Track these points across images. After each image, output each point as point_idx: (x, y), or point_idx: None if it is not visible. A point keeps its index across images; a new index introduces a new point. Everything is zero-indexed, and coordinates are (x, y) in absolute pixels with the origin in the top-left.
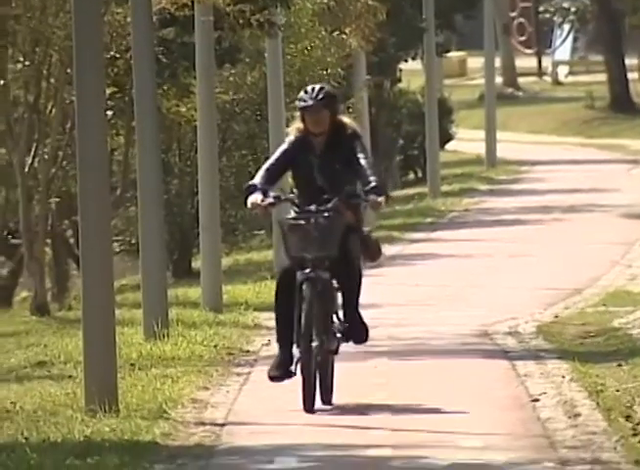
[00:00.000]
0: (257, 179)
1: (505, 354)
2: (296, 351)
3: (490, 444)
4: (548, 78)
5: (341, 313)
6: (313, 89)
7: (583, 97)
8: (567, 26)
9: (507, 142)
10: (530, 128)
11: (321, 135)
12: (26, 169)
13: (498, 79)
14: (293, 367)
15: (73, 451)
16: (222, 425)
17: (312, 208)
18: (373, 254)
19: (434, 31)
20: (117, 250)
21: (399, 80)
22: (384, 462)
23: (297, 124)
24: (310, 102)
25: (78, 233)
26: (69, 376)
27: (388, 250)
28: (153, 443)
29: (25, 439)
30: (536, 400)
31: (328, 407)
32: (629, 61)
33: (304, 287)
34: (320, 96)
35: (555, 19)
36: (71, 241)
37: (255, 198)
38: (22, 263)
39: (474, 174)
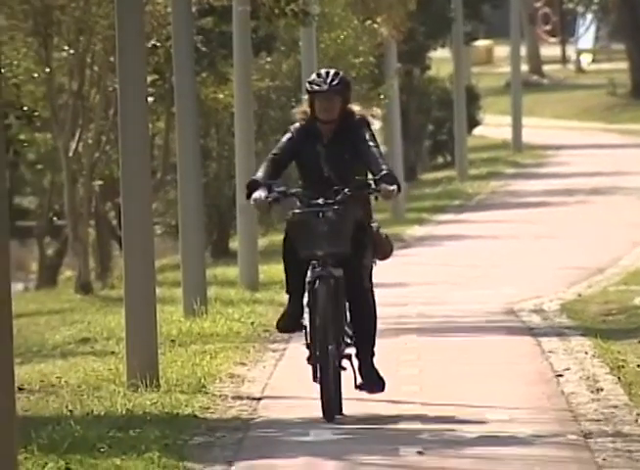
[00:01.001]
0: (260, 173)
1: (530, 331)
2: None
3: (516, 417)
4: (572, 66)
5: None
6: (327, 73)
7: (605, 84)
8: (589, 16)
9: (532, 127)
10: (555, 114)
11: (330, 123)
12: (71, 154)
13: (524, 67)
14: (303, 319)
15: (116, 424)
16: (259, 399)
17: (320, 201)
18: (384, 251)
19: (462, 21)
20: (158, 231)
21: (429, 68)
22: (414, 434)
23: (304, 108)
24: (324, 86)
25: (121, 215)
26: (112, 352)
27: (417, 231)
28: (192, 416)
29: (70, 412)
30: (560, 376)
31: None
32: None
33: (317, 286)
34: (335, 81)
35: (578, 8)
36: (114, 222)
37: (259, 194)
38: (67, 244)
39: (500, 158)
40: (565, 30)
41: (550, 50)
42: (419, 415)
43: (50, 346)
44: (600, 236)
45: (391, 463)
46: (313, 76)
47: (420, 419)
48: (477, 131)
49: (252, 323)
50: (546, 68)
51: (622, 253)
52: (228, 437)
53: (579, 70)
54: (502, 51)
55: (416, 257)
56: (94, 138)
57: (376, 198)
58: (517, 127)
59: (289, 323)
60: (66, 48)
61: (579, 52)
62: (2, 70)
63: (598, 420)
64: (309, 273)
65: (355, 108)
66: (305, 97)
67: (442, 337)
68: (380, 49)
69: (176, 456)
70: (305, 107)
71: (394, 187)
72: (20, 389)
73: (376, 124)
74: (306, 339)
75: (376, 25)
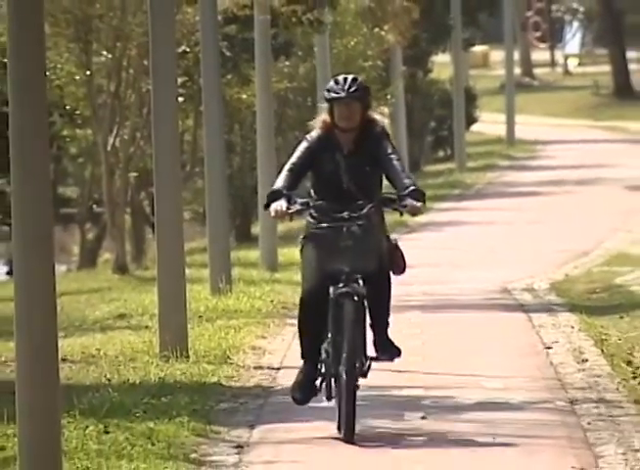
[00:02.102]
0: (280, 183)
1: (522, 308)
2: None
3: (510, 385)
4: (560, 69)
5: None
6: (345, 80)
7: (590, 85)
8: (576, 24)
9: (524, 124)
10: (544, 113)
11: (350, 131)
12: (109, 148)
13: (517, 70)
14: (318, 383)
15: (150, 392)
16: (278, 369)
17: (345, 215)
18: (400, 266)
19: (461, 28)
20: (187, 217)
21: (431, 71)
22: (416, 401)
23: (324, 117)
24: (342, 93)
25: (154, 203)
26: (146, 327)
27: (421, 217)
28: (218, 384)
29: (108, 380)
30: (549, 348)
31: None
32: (630, 54)
33: (342, 304)
34: (353, 88)
35: (565, 17)
36: (148, 210)
37: (280, 205)
38: (106, 229)
39: (495, 152)
40: (553, 37)
41: (540, 55)
42: (422, 384)
43: (90, 321)
44: (585, 222)
45: (397, 427)
46: (331, 84)
47: (423, 387)
48: (474, 128)
49: (272, 301)
50: (537, 71)
51: (605, 237)
52: (250, 403)
53: (567, 72)
54: (497, 55)
55: (420, 241)
56: (129, 134)
57: (401, 214)
58: (510, 124)
59: (304, 392)
60: (104, 53)
61: (566, 56)
62: (47, 73)
63: (583, 388)
64: (332, 290)
65: (375, 116)
66: (324, 105)
67: (444, 313)
68: (386, 54)
69: (204, 420)
70: (324, 116)
71: (420, 203)
72: (63, 359)
73: (384, 121)
74: (304, 353)
75: (383, 33)
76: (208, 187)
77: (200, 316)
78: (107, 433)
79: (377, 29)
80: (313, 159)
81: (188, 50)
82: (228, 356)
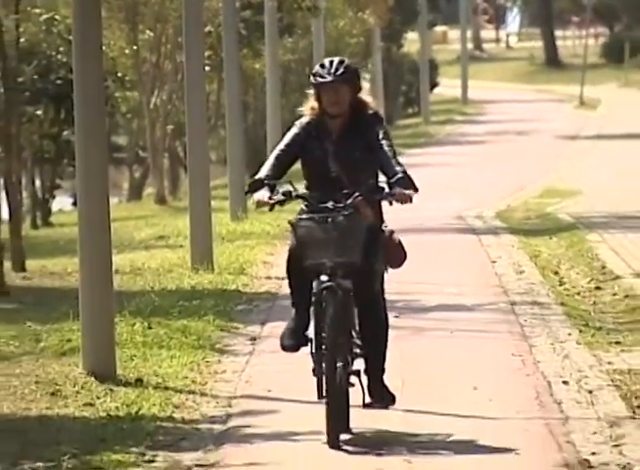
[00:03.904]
0: (264, 171)
1: (473, 231)
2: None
3: (463, 291)
4: (503, 44)
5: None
6: (332, 63)
7: (527, 57)
8: (515, 9)
9: (475, 88)
10: (491, 79)
11: (339, 117)
12: (151, 106)
13: (469, 45)
14: (308, 333)
15: (183, 296)
16: (283, 279)
17: (329, 205)
18: (398, 258)
19: (426, 12)
20: (212, 160)
21: (402, 46)
22: (390, 304)
23: (312, 103)
24: (329, 77)
25: (186, 149)
26: (180, 246)
27: None
28: (236, 290)
29: (151, 288)
30: (494, 262)
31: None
32: (557, 32)
33: (323, 299)
34: (340, 70)
35: (507, 3)
36: (181, 154)
37: (262, 195)
38: (149, 170)
39: (453, 110)
40: (498, 19)
41: (488, 33)
42: (394, 291)
43: (136, 241)
44: (522, 164)
45: None
46: (317, 68)
47: (395, 293)
48: (436, 91)
49: (278, 225)
50: (485, 46)
51: (538, 176)
52: (261, 305)
53: (508, 47)
54: (454, 34)
55: None
56: (167, 95)
57: (390, 203)
58: (464, 88)
59: (294, 339)
60: (147, 32)
61: (508, 34)
62: (103, 48)
63: (521, 293)
64: (315, 284)
65: (367, 99)
66: (311, 91)
67: (410, 235)
68: (368, 33)
69: (226, 318)
70: (312, 102)
71: (411, 191)
72: (116, 271)
73: (365, 85)
74: (311, 350)
75: (365, 16)
76: (229, 136)
77: (222, 238)
78: (150, 328)
79: (360, 13)
80: (301, 146)
81: (212, 30)
82: (244, 269)
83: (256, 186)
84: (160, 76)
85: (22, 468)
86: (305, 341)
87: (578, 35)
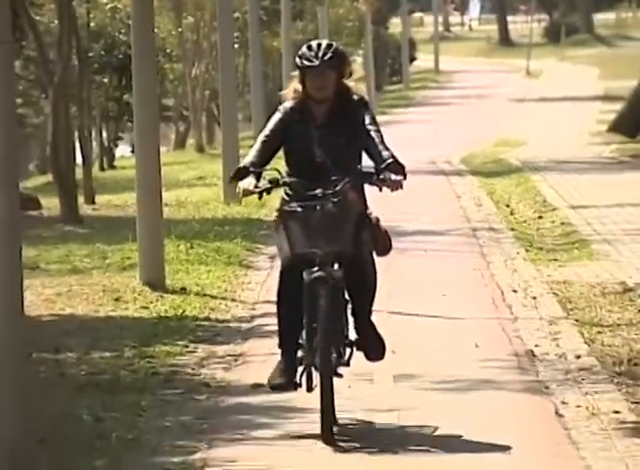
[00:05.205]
0: (249, 159)
1: (443, 173)
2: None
3: (435, 220)
4: (467, 28)
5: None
6: (319, 46)
7: (485, 37)
8: None
9: (445, 62)
10: (457, 54)
11: (324, 102)
12: (192, 75)
13: (440, 28)
14: (298, 378)
15: (217, 224)
16: None
17: (318, 192)
18: (384, 246)
19: (407, 2)
20: (240, 118)
21: (388, 28)
22: None
23: (295, 86)
24: (315, 61)
25: (219, 109)
26: (215, 184)
27: (382, 118)
28: (259, 219)
29: (192, 217)
30: (459, 197)
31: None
32: (509, 18)
33: (316, 290)
34: (328, 55)
35: None
36: (216, 113)
37: (248, 184)
38: (190, 125)
39: (427, 78)
40: (463, 7)
41: (455, 18)
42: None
43: (180, 181)
44: (482, 121)
45: None
46: (304, 50)
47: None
48: (414, 63)
49: None
50: (453, 28)
51: (494, 131)
52: None
53: (470, 29)
54: (428, 19)
55: None
56: (205, 67)
57: (380, 189)
58: (436, 61)
59: (284, 380)
60: (189, 17)
61: (471, 19)
62: (154, 30)
63: (480, 221)
64: (305, 274)
65: (351, 84)
66: (295, 73)
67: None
68: (361, 18)
69: (250, 241)
70: (296, 84)
71: (401, 177)
72: (166, 205)
73: (358, 60)
74: (281, 342)
75: (359, 4)
76: (253, 100)
77: None
78: (191, 248)
79: (355, 3)
80: (285, 131)
81: (240, 16)
82: (264, 203)
83: (241, 174)
84: (199, 52)
85: (93, 357)
86: (295, 386)
87: (525, 20)
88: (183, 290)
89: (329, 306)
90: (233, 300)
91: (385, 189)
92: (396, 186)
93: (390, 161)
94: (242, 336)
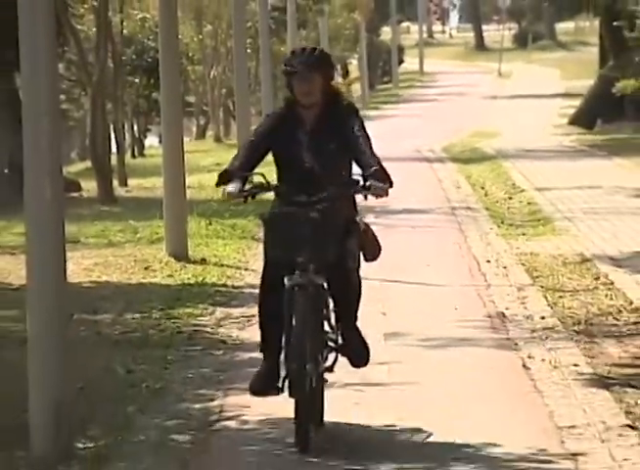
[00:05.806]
0: (237, 162)
1: (427, 160)
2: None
3: (420, 200)
4: (447, 35)
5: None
6: (304, 50)
7: (463, 43)
8: (456, 10)
9: (429, 64)
10: (439, 58)
11: (312, 107)
12: (211, 76)
13: (425, 35)
14: (280, 383)
15: (233, 204)
16: None
17: (303, 198)
18: (373, 251)
19: (395, 13)
20: (253, 112)
21: (380, 36)
22: (368, 210)
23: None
24: (299, 66)
25: (235, 105)
26: None
27: (374, 112)
28: (269, 200)
29: (212, 198)
30: (441, 181)
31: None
32: (484, 27)
33: (295, 296)
34: (311, 59)
35: (451, 6)
36: (232, 108)
37: (233, 188)
38: (209, 119)
39: (414, 79)
40: (444, 17)
41: (437, 27)
42: (371, 199)
43: (201, 167)
44: (460, 116)
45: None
46: (288, 56)
47: (372, 200)
48: (403, 66)
49: None
50: (436, 35)
51: (471, 123)
52: None
53: (451, 36)
54: (414, 28)
55: (373, 127)
56: (222, 69)
57: (365, 196)
58: (421, 64)
59: (264, 385)
60: (208, 25)
61: (451, 28)
62: (178, 36)
63: (459, 201)
64: (286, 280)
65: (341, 89)
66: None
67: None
68: (356, 27)
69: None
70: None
71: (387, 185)
72: (188, 186)
73: (354, 63)
74: (262, 346)
75: (355, 15)
76: (263, 97)
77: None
78: (210, 225)
79: (351, 14)
80: (274, 136)
81: (252, 25)
82: None
83: (227, 178)
84: (217, 56)
85: (126, 318)
86: (276, 390)
87: (497, 28)
88: (203, 260)
89: (306, 313)
90: (246, 269)
91: (369, 196)
92: (381, 194)
93: (375, 168)
94: (254, 300)
